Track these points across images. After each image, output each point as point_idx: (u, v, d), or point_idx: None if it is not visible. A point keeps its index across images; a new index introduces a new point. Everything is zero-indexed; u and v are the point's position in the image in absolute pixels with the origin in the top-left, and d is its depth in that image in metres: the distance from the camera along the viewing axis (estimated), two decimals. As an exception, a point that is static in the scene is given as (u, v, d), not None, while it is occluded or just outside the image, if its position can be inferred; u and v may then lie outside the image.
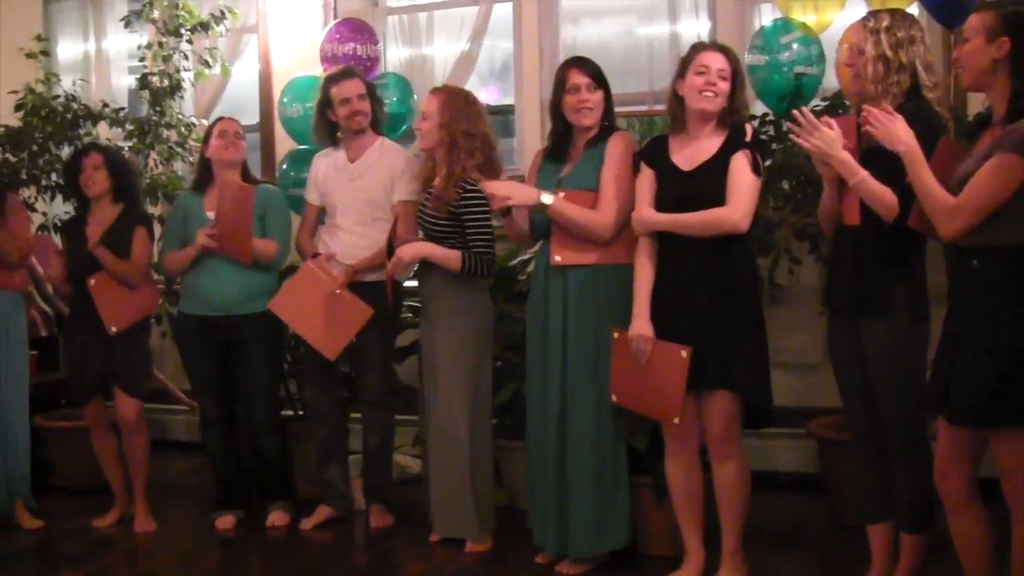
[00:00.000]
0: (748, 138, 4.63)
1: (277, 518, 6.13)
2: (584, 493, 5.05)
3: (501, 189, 5.06)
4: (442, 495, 5.53)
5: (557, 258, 5.07)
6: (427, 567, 5.42)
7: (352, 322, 5.69)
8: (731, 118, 4.67)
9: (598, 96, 5.10)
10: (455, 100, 5.49)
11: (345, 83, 5.93)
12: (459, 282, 5.43)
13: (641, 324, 4.68)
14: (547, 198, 4.91)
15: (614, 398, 4.86)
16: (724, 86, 4.64)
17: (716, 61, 4.65)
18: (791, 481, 6.32)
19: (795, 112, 4.22)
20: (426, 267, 5.48)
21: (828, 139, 4.12)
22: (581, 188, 5.01)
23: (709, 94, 4.64)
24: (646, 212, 4.69)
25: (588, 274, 5.03)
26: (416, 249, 5.42)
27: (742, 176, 4.56)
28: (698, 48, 4.77)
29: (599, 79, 5.11)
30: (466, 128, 5.40)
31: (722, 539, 4.80)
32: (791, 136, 4.23)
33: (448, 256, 5.37)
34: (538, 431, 5.23)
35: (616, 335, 4.78)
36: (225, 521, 6.15)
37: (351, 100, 5.90)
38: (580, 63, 5.19)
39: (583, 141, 5.13)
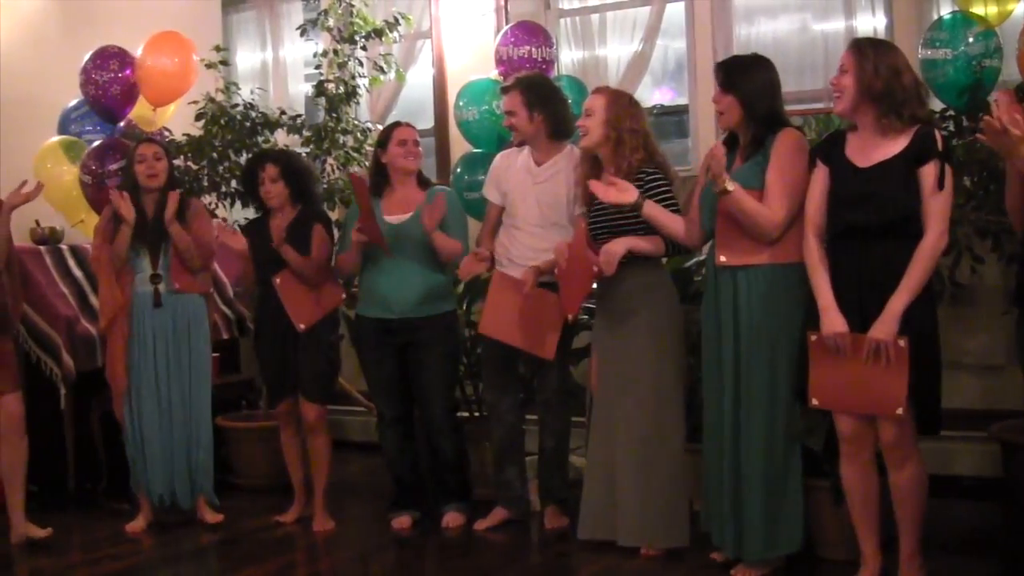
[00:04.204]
0: (940, 148, 4.47)
1: (452, 519, 6.16)
2: (755, 495, 4.98)
3: (600, 189, 5.18)
4: (643, 501, 5.44)
5: (722, 258, 5.02)
6: (602, 568, 5.39)
7: (554, 316, 5.67)
8: (908, 111, 4.53)
9: (727, 100, 5.01)
10: (620, 98, 5.52)
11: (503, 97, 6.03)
12: (657, 281, 5.47)
13: (834, 320, 4.56)
14: (731, 184, 4.84)
15: (815, 402, 4.69)
16: (846, 80, 4.56)
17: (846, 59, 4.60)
18: (973, 486, 6.13)
19: (1001, 94, 4.07)
20: (621, 266, 5.41)
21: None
22: (746, 187, 4.91)
23: (836, 94, 4.60)
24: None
25: (757, 274, 4.96)
26: (625, 243, 5.35)
27: (936, 195, 4.43)
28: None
29: (729, 83, 5.02)
30: (631, 125, 5.41)
31: (899, 544, 4.68)
32: (978, 136, 4.09)
33: (652, 241, 5.34)
34: (713, 433, 5.17)
35: (813, 338, 4.65)
36: (401, 521, 6.20)
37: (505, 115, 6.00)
38: (719, 65, 5.21)
39: (742, 141, 5.06)
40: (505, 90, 6.00)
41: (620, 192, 5.18)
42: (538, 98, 5.90)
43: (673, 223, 5.24)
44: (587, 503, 5.61)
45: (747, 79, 5.01)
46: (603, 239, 5.40)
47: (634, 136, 5.41)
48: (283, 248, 6.00)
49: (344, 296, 6.49)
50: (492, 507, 6.12)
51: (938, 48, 5.82)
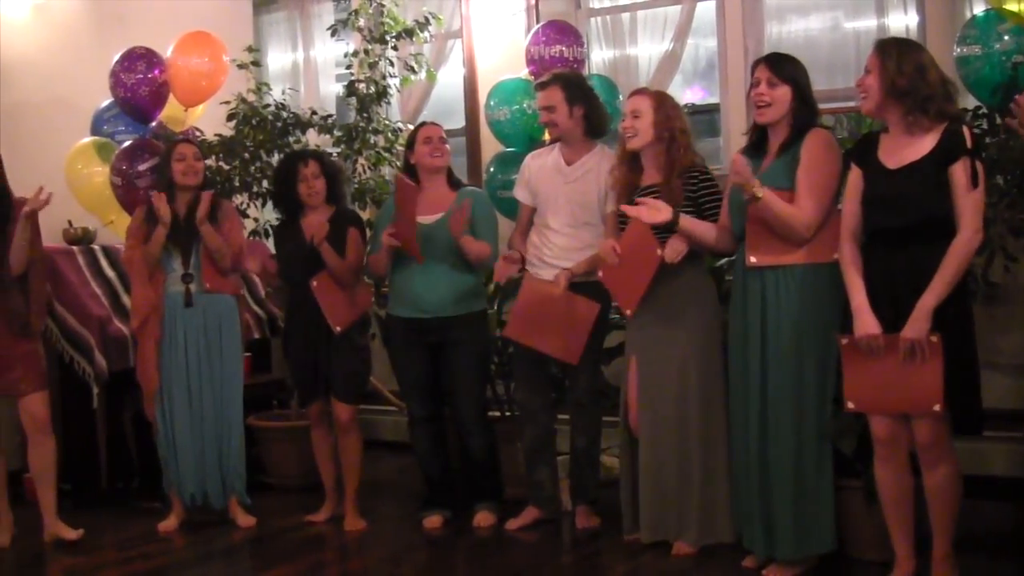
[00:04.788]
0: (969, 144, 4.45)
1: (484, 518, 6.16)
2: (786, 496, 4.97)
3: (633, 212, 5.22)
4: (693, 500, 5.43)
5: (752, 259, 5.01)
6: (633, 568, 5.39)
7: (583, 321, 5.68)
8: (935, 107, 4.50)
9: (779, 92, 4.98)
10: (666, 99, 5.53)
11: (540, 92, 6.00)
12: (701, 280, 5.48)
13: (867, 322, 4.53)
14: (761, 191, 4.82)
15: (851, 405, 4.65)
16: (870, 80, 4.56)
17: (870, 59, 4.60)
18: (1007, 486, 6.09)
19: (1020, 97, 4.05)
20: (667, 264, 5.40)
21: None
22: (776, 187, 4.90)
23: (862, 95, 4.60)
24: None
25: (786, 274, 4.95)
26: (684, 235, 5.29)
27: (969, 193, 4.40)
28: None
29: (783, 74, 4.99)
30: (681, 125, 5.43)
31: (933, 544, 4.65)
32: (1007, 120, 4.07)
33: (707, 227, 5.31)
34: (740, 433, 5.17)
35: (844, 341, 4.62)
36: (432, 520, 6.21)
37: (541, 111, 5.97)
38: (767, 57, 5.15)
39: (775, 139, 5.04)
40: (542, 85, 5.98)
41: (654, 212, 5.17)
42: (577, 94, 5.91)
43: (707, 233, 5.24)
44: (644, 505, 5.56)
45: (796, 71, 5.02)
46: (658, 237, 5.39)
47: (684, 136, 5.43)
48: (323, 248, 6.00)
49: (373, 298, 6.48)
50: (523, 507, 6.12)
51: (971, 45, 5.78)
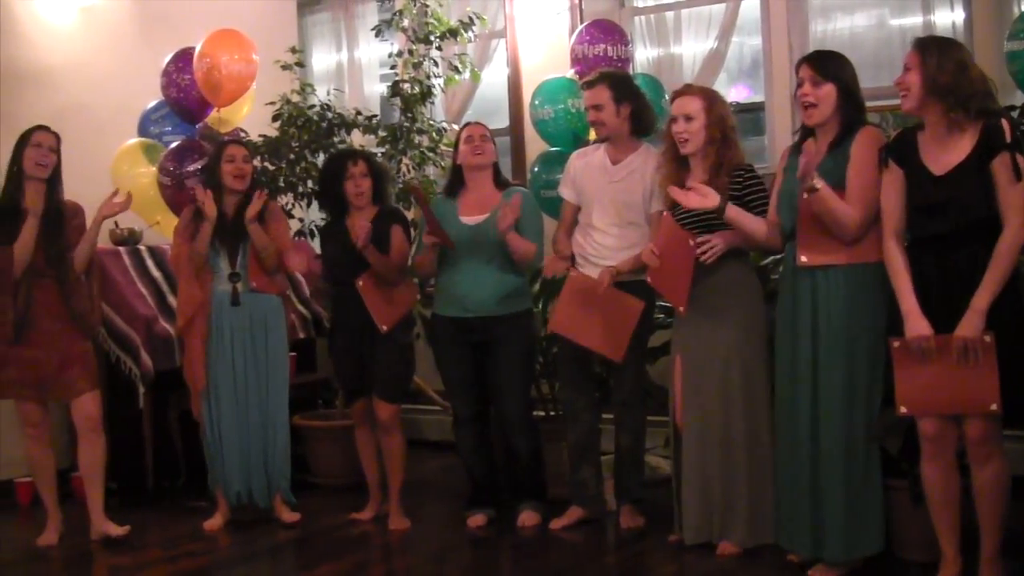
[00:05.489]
0: (1008, 138, 4.40)
1: (528, 518, 6.15)
2: (835, 497, 4.93)
3: (681, 196, 5.15)
4: (738, 500, 5.40)
5: (803, 259, 4.96)
6: (678, 569, 5.38)
7: (627, 318, 5.65)
8: (976, 105, 4.45)
9: (823, 91, 4.91)
10: (717, 98, 5.48)
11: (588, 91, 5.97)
12: (745, 278, 5.45)
13: (918, 324, 4.49)
14: (819, 183, 4.78)
15: (904, 410, 4.60)
16: (911, 78, 4.52)
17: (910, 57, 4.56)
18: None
19: None
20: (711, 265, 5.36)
21: None
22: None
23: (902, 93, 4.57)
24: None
25: (836, 274, 4.90)
26: (732, 234, 5.27)
27: (1012, 186, 4.35)
28: None
29: (826, 72, 4.93)
30: (731, 123, 5.41)
31: (980, 545, 4.60)
32: None
33: (756, 220, 5.27)
34: (788, 433, 5.12)
35: (896, 344, 4.57)
36: (477, 520, 6.20)
37: (588, 110, 5.96)
38: (810, 56, 5.10)
39: (823, 138, 4.99)
40: (590, 84, 5.95)
41: (702, 197, 5.13)
42: (625, 92, 5.89)
43: (756, 225, 5.19)
44: (687, 506, 5.53)
45: (842, 69, 4.96)
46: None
47: (734, 134, 5.41)
48: (367, 249, 6.02)
49: (418, 296, 6.49)
50: (567, 506, 6.10)
51: (1020, 40, 5.73)
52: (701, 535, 5.48)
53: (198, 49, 7.31)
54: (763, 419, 5.38)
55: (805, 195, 4.82)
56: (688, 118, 5.39)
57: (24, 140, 6.02)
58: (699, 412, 5.45)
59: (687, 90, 5.54)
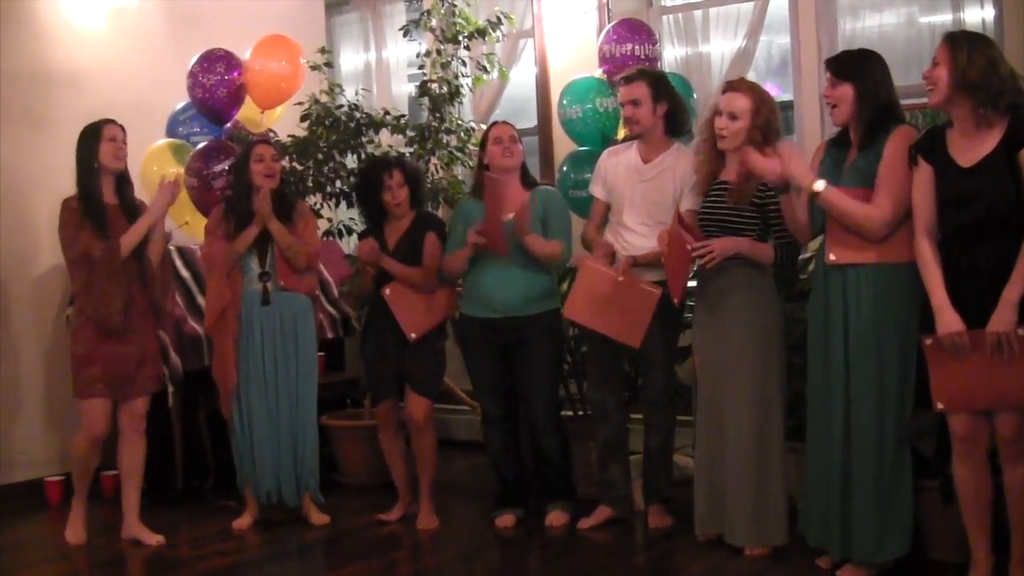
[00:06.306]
0: None
1: (556, 518, 6.14)
2: (866, 497, 4.90)
3: (763, 163, 5.03)
4: (746, 499, 5.40)
5: (832, 256, 4.93)
6: (707, 568, 5.36)
7: (645, 306, 5.64)
8: (1005, 101, 4.42)
9: (840, 91, 4.90)
10: (766, 99, 5.40)
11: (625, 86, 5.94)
12: (757, 278, 5.39)
13: (950, 320, 4.47)
14: (819, 184, 4.77)
15: (940, 407, 4.59)
16: (939, 72, 4.50)
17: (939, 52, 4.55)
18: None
19: None
20: (721, 264, 5.37)
21: None
22: (855, 185, 4.85)
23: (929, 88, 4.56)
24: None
25: (868, 273, 4.86)
26: (733, 243, 5.29)
27: None
28: None
29: (842, 72, 4.91)
30: (776, 126, 5.35)
31: (1011, 545, 4.58)
32: None
33: (762, 248, 5.31)
34: (820, 433, 5.09)
35: (928, 341, 4.55)
36: (505, 520, 6.20)
37: (624, 106, 5.92)
38: (832, 56, 5.09)
39: (854, 136, 4.96)
40: (628, 80, 5.93)
41: (787, 161, 4.95)
42: (662, 91, 5.89)
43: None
44: (697, 501, 5.57)
45: (861, 69, 4.92)
46: (711, 235, 5.35)
47: (776, 138, 5.31)
48: (384, 260, 6.05)
49: (458, 302, 6.45)
50: (596, 506, 6.10)
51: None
52: (707, 527, 5.55)
53: (247, 54, 7.38)
54: (774, 419, 5.38)
55: (804, 197, 4.82)
56: (733, 116, 5.33)
57: (96, 135, 6.05)
58: (708, 410, 5.47)
59: (739, 85, 5.46)
